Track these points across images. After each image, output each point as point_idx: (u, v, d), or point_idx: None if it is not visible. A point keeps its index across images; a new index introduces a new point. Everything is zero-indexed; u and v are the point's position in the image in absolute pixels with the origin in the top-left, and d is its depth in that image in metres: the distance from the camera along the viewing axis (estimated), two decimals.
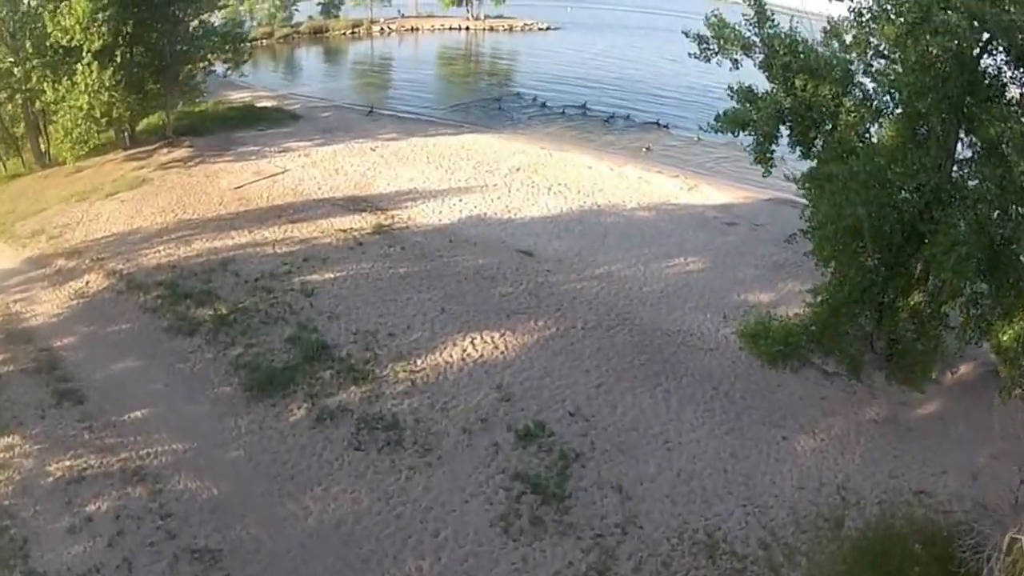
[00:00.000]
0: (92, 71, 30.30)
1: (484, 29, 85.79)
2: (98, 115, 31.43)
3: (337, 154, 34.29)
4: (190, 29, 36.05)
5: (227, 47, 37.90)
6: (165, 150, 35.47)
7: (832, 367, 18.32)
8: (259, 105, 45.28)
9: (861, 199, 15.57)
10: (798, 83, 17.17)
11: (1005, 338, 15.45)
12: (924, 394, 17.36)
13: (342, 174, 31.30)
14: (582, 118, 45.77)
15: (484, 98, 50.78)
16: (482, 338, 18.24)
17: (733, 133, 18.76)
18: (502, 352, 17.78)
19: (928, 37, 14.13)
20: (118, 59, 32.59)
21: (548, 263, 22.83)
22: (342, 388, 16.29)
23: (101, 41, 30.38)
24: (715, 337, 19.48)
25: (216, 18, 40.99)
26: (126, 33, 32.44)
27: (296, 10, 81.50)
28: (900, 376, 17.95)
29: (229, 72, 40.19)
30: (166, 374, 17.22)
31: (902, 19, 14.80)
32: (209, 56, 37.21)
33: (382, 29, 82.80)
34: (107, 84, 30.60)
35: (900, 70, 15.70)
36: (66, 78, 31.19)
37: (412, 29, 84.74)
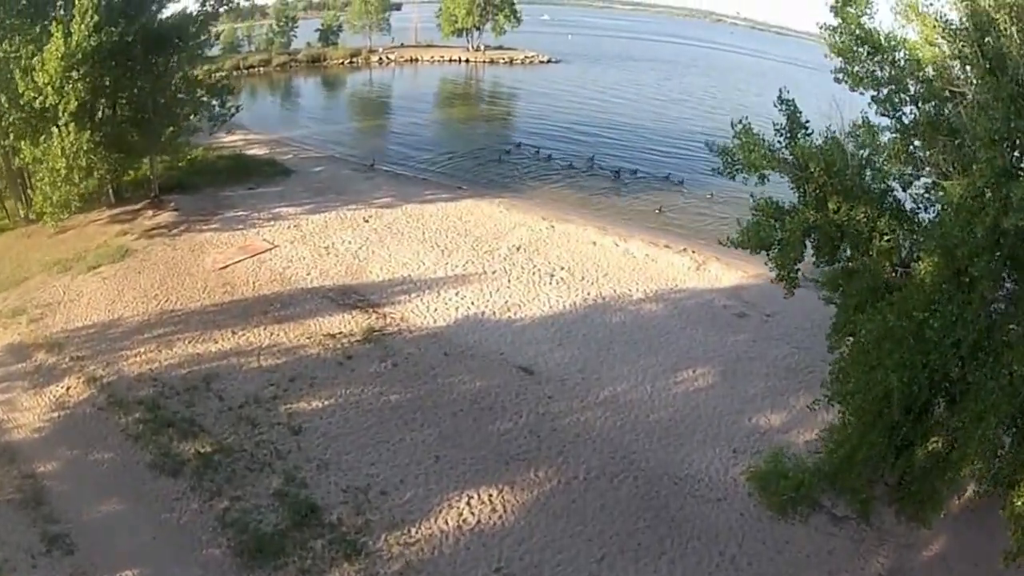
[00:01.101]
0: (70, 132, 28.75)
1: (484, 62, 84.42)
2: (77, 180, 29.85)
3: (328, 225, 33.04)
4: (173, 83, 34.55)
5: (213, 102, 36.62)
6: (150, 212, 34.30)
7: (842, 510, 17.52)
8: (250, 154, 44.21)
9: (894, 362, 14.65)
10: (831, 205, 16.17)
11: (1020, 503, 14.44)
12: (931, 530, 16.70)
13: (332, 254, 30.03)
14: (588, 174, 44.61)
15: (482, 147, 49.69)
16: (479, 497, 16.99)
17: (754, 251, 17.77)
18: (500, 516, 16.54)
19: (997, 206, 12.96)
20: (99, 114, 31.12)
21: (549, 384, 21.61)
22: (335, 564, 15.13)
23: (77, 100, 28.85)
24: (723, 481, 18.43)
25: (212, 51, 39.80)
26: (105, 87, 30.85)
27: (294, 36, 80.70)
28: (910, 512, 17.09)
29: (215, 128, 38.72)
30: (153, 524, 16.29)
31: (968, 180, 13.68)
32: (192, 116, 35.75)
33: (380, 59, 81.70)
34: (85, 147, 29.08)
35: (952, 226, 14.37)
36: (43, 139, 29.52)
37: (411, 60, 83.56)
